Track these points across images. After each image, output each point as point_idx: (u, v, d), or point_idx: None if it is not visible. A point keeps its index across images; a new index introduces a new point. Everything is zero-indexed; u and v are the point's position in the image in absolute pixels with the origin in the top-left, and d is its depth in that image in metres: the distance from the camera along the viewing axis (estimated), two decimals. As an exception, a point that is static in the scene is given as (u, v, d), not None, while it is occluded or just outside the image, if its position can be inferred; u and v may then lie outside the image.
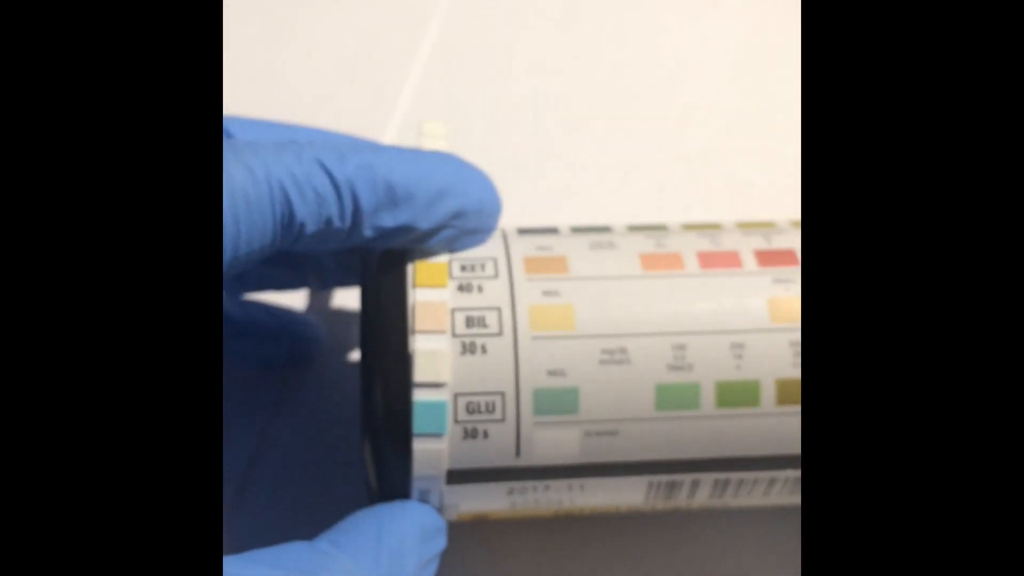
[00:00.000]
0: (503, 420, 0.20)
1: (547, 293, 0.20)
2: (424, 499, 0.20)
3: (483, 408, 0.20)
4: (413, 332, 0.20)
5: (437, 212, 0.20)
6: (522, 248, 0.21)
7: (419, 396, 0.19)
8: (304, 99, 0.34)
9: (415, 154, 0.21)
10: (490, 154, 0.32)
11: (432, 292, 0.20)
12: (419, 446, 0.19)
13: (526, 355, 0.20)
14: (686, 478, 0.21)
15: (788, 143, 0.33)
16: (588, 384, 0.20)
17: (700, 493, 0.21)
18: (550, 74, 0.35)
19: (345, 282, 0.26)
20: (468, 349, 0.20)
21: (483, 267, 0.21)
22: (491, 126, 0.34)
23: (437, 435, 0.19)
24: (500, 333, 0.20)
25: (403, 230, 0.20)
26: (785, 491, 0.22)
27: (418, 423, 0.19)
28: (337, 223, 0.19)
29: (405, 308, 0.20)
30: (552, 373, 0.20)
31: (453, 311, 0.20)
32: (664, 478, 0.21)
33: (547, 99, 0.34)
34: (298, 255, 0.24)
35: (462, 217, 0.21)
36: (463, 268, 0.21)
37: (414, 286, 0.20)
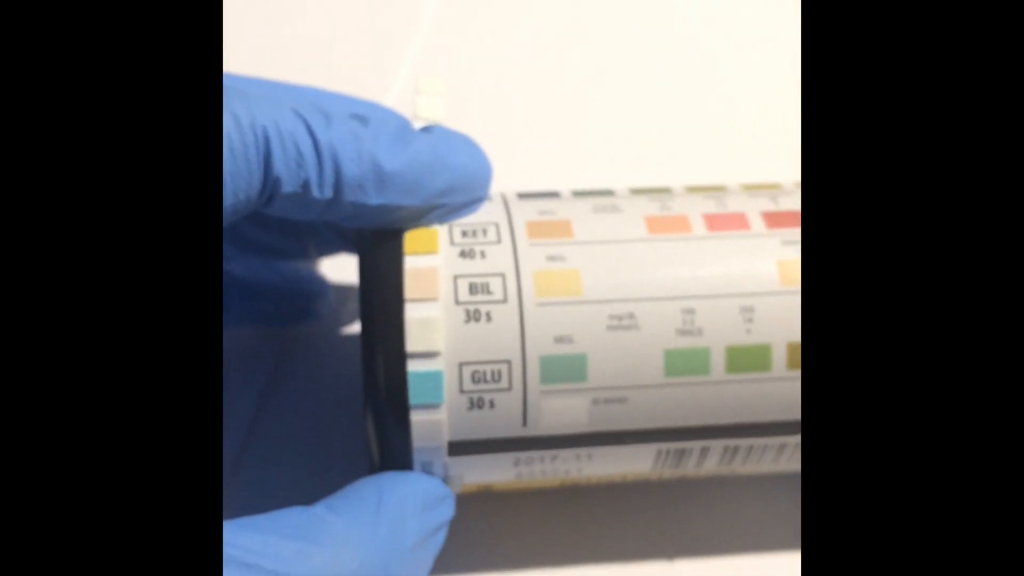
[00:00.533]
0: (509, 389, 0.19)
1: (552, 258, 0.20)
2: (427, 470, 0.20)
3: (489, 377, 0.19)
4: (404, 301, 0.19)
5: (425, 191, 0.19)
6: (524, 212, 0.21)
7: (413, 367, 0.19)
8: (306, 63, 0.33)
9: (404, 128, 0.20)
10: (493, 119, 0.32)
11: (422, 259, 0.19)
12: (416, 417, 0.19)
13: (532, 322, 0.19)
14: (696, 445, 0.20)
15: (793, 108, 0.32)
16: (596, 351, 0.19)
17: (709, 460, 0.21)
18: (557, 36, 0.34)
19: (343, 250, 0.25)
20: (472, 317, 0.19)
21: (485, 232, 0.20)
22: (495, 90, 0.33)
23: (434, 405, 0.19)
24: (505, 300, 0.19)
25: (388, 208, 0.19)
26: (795, 457, 0.21)
27: (414, 394, 0.19)
28: (315, 191, 0.18)
29: (400, 277, 0.19)
30: (559, 340, 0.19)
31: (456, 278, 0.19)
32: (673, 445, 0.20)
33: (552, 64, 0.34)
34: (295, 221, 0.24)
35: (451, 194, 0.20)
36: (464, 234, 0.20)
37: (404, 254, 0.19)
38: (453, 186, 0.20)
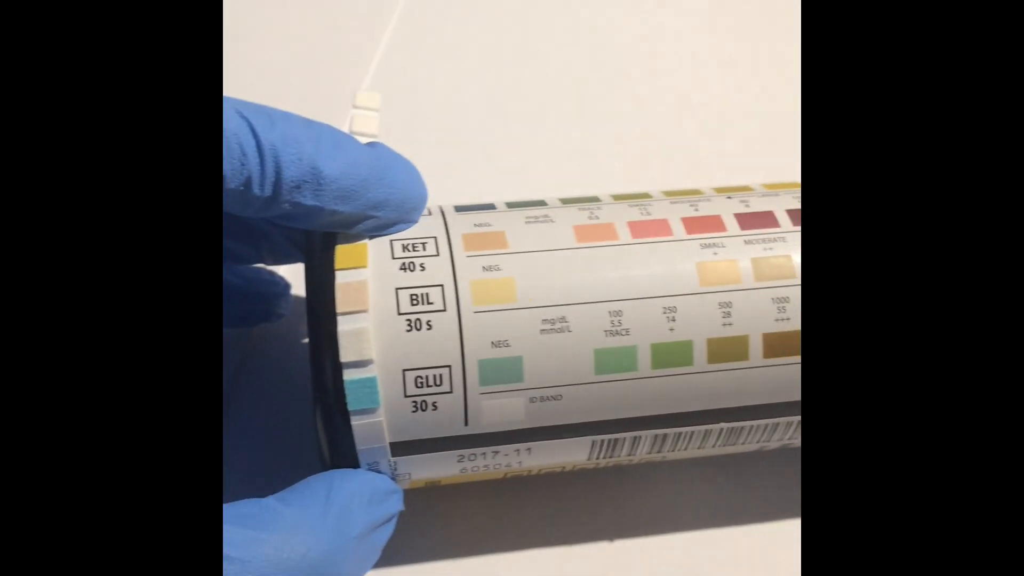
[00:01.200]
0: (451, 392, 0.20)
1: (487, 268, 0.21)
2: (375, 468, 0.21)
3: (431, 381, 0.20)
4: (335, 314, 0.20)
5: (359, 200, 0.21)
6: (461, 226, 0.22)
7: (349, 375, 0.20)
8: (265, 83, 0.34)
9: (346, 139, 0.21)
10: (446, 138, 0.34)
11: (351, 273, 0.20)
12: (357, 421, 0.20)
13: (470, 328, 0.20)
14: (627, 435, 0.22)
15: (732, 123, 0.35)
16: (530, 353, 0.21)
17: (641, 448, 0.23)
18: (506, 63, 0.36)
19: (296, 258, 0.27)
20: (414, 326, 0.20)
21: (424, 246, 0.21)
22: (448, 113, 0.35)
23: (372, 410, 0.20)
24: (444, 309, 0.20)
25: (323, 211, 0.20)
26: (720, 442, 0.23)
27: (351, 400, 0.20)
28: (256, 188, 0.20)
29: (332, 289, 0.20)
30: (496, 344, 0.21)
31: (397, 290, 0.21)
32: (606, 437, 0.22)
33: (503, 86, 0.36)
34: (246, 226, 0.25)
35: (384, 207, 0.21)
36: (404, 248, 0.21)
37: (335, 268, 0.21)
38: (387, 200, 0.21)
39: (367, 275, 0.21)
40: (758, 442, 0.23)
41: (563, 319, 0.21)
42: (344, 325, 0.20)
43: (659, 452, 0.23)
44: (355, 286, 0.20)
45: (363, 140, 0.22)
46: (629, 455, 0.23)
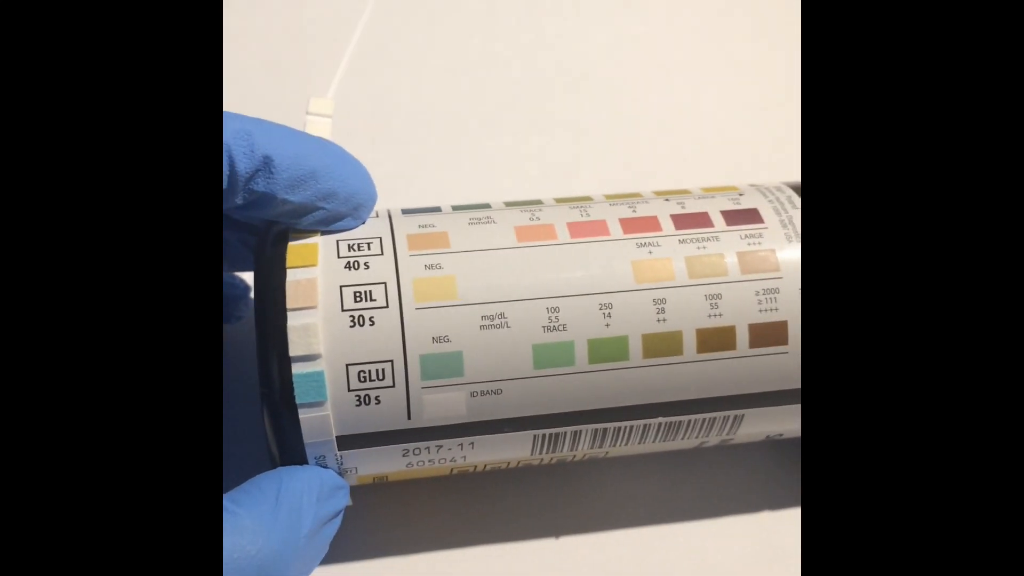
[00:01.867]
0: (393, 386, 0.21)
1: (429, 267, 0.22)
2: (322, 463, 0.22)
3: (374, 376, 0.21)
4: (286, 310, 0.21)
5: (308, 189, 0.22)
6: (406, 227, 0.23)
7: (297, 369, 0.21)
8: (230, 91, 0.34)
9: (295, 133, 0.22)
10: (410, 146, 0.35)
11: (302, 271, 0.21)
12: (304, 415, 0.21)
13: (412, 324, 0.21)
14: (567, 430, 0.23)
15: (686, 128, 0.36)
16: (471, 348, 0.21)
17: (582, 443, 0.23)
18: (468, 71, 0.37)
19: (250, 264, 0.27)
20: (357, 322, 0.21)
21: (369, 246, 0.22)
22: (412, 121, 0.36)
23: (319, 403, 0.21)
24: (387, 306, 0.21)
25: (275, 199, 0.21)
26: (659, 437, 0.24)
27: (299, 394, 0.21)
28: None
29: (283, 287, 0.21)
30: (437, 340, 0.21)
31: (341, 288, 0.21)
32: (547, 431, 0.23)
33: (466, 95, 0.37)
34: None
35: (333, 199, 0.22)
36: (350, 248, 0.22)
37: (286, 266, 0.21)
38: (336, 192, 0.22)
39: (317, 273, 0.21)
40: (697, 437, 0.24)
41: (502, 315, 0.22)
42: (294, 320, 0.21)
43: (601, 447, 0.24)
44: (304, 283, 0.21)
45: None
46: (571, 450, 0.24)
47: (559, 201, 0.24)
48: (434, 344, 0.21)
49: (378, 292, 0.21)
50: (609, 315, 0.22)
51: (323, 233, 0.22)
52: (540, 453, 0.23)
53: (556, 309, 0.22)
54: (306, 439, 0.21)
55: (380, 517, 0.26)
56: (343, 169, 0.22)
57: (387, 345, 0.21)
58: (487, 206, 0.24)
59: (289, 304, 0.21)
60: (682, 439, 0.24)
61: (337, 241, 0.22)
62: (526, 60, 0.38)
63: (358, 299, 0.21)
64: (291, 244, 0.22)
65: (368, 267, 0.22)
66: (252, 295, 0.29)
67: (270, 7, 0.39)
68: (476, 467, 0.24)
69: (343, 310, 0.21)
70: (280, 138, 0.21)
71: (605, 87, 0.37)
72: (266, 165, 0.21)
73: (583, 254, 0.22)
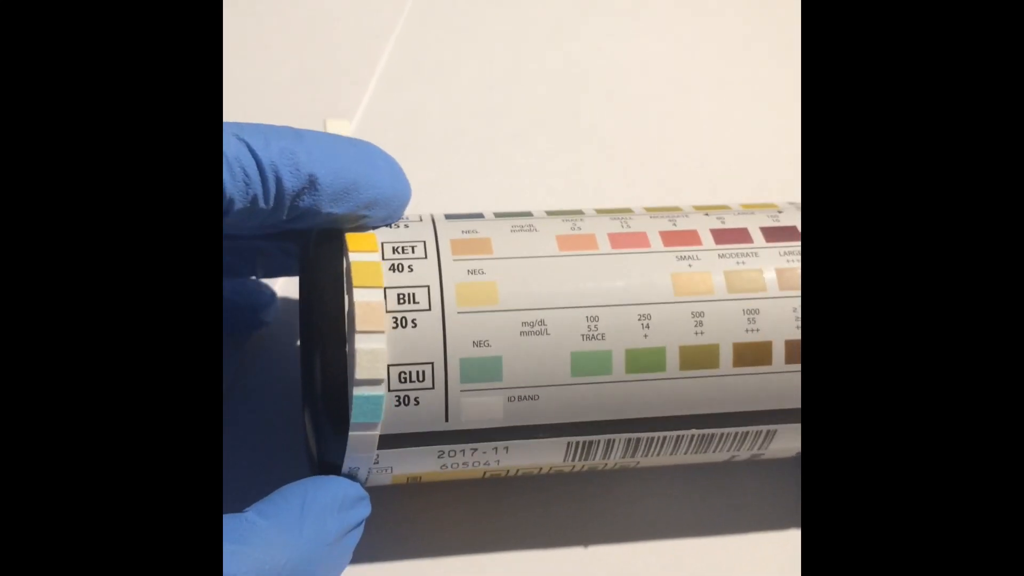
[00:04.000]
0: (433, 388, 0.21)
1: (472, 272, 0.22)
2: (354, 474, 0.22)
3: (414, 377, 0.21)
4: (354, 332, 0.21)
5: (351, 200, 0.22)
6: (449, 232, 0.23)
7: (359, 391, 0.21)
8: (262, 105, 0.36)
9: (335, 143, 0.22)
10: (440, 157, 0.35)
11: (370, 292, 0.21)
12: (354, 433, 0.21)
13: (453, 328, 0.21)
14: (601, 438, 0.23)
15: (719, 142, 0.36)
16: (510, 353, 0.22)
17: (614, 452, 0.23)
18: (498, 86, 0.38)
19: (289, 270, 0.28)
20: (400, 323, 0.21)
21: (413, 249, 0.22)
22: (441, 133, 0.36)
23: (371, 424, 0.21)
24: (429, 308, 0.22)
25: (319, 214, 0.22)
26: (691, 448, 0.24)
27: (356, 414, 0.21)
28: (262, 203, 0.21)
29: (340, 300, 0.21)
30: (477, 344, 0.22)
31: (385, 289, 0.22)
32: (581, 439, 0.23)
33: (495, 107, 0.37)
34: (243, 242, 0.26)
35: (374, 207, 0.23)
36: (395, 250, 0.22)
37: (352, 286, 0.21)
38: (376, 199, 0.23)
39: (382, 296, 0.21)
40: (728, 451, 0.24)
41: (542, 322, 0.22)
42: (363, 344, 0.21)
43: (632, 457, 0.24)
44: (375, 306, 0.21)
45: None
46: (604, 459, 0.24)
47: (600, 212, 0.24)
48: (474, 348, 0.22)
49: (421, 295, 0.22)
50: (648, 326, 0.22)
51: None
52: (572, 460, 0.24)
53: (595, 318, 0.22)
54: (349, 453, 0.21)
55: (409, 521, 0.26)
56: (382, 175, 0.23)
57: (428, 347, 0.21)
58: (529, 214, 0.24)
59: (358, 327, 0.21)
60: (714, 452, 0.24)
61: (381, 243, 0.22)
62: (556, 76, 0.39)
63: (401, 301, 0.22)
64: (355, 262, 0.22)
65: (412, 270, 0.22)
66: (277, 302, 0.29)
67: (302, 24, 0.40)
68: (508, 471, 0.24)
69: (387, 311, 0.21)
70: (323, 153, 0.22)
71: (633, 103, 0.38)
72: (311, 183, 0.21)
73: (623, 265, 0.23)
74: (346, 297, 0.22)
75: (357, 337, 0.21)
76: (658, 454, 0.24)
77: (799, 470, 0.28)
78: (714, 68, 0.39)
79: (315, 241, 0.23)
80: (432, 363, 0.21)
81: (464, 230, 0.23)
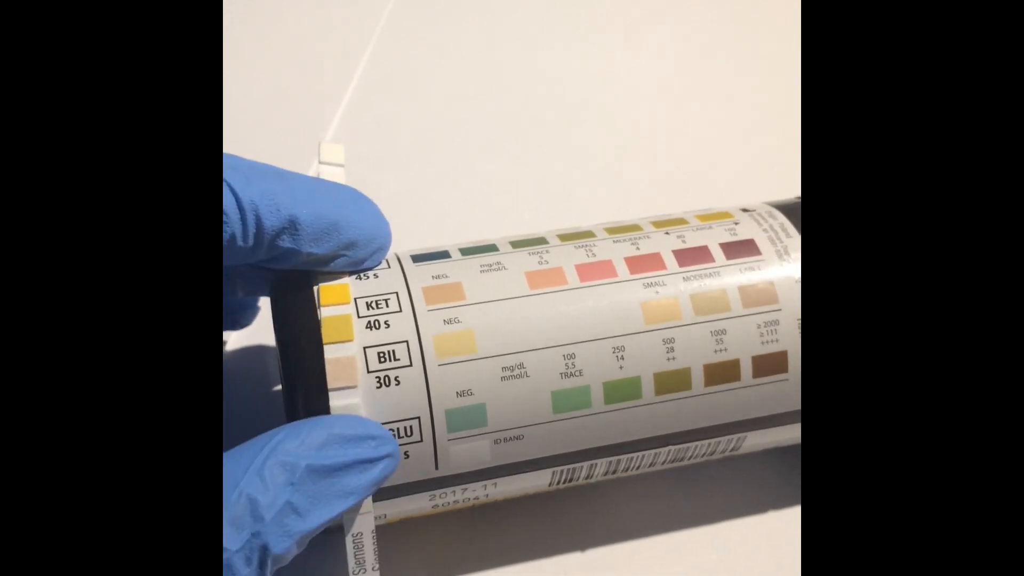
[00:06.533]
0: (421, 440, 0.22)
1: (448, 321, 0.22)
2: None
3: (402, 432, 0.22)
4: (327, 390, 0.21)
5: (331, 242, 0.22)
6: (420, 278, 0.23)
7: None
8: (240, 120, 0.36)
9: (316, 186, 0.23)
10: (412, 177, 0.36)
11: (339, 348, 0.22)
12: None
13: (436, 381, 0.22)
14: (584, 463, 0.24)
15: (679, 151, 0.38)
16: (493, 399, 0.22)
17: (597, 472, 0.24)
18: (468, 99, 0.40)
19: (267, 293, 0.27)
20: (383, 383, 0.22)
21: (387, 303, 0.23)
22: (414, 145, 0.38)
23: None
24: (410, 364, 0.22)
25: (299, 253, 0.22)
26: (668, 460, 0.25)
27: None
28: (240, 241, 0.21)
29: (320, 356, 0.22)
30: (460, 394, 0.22)
31: (365, 349, 0.22)
32: (565, 466, 0.24)
33: (465, 124, 0.39)
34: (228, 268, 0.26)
35: (354, 248, 0.23)
36: (368, 306, 0.22)
37: (323, 343, 0.22)
38: (357, 240, 0.23)
39: (354, 349, 0.22)
40: (703, 456, 0.25)
41: (521, 365, 0.22)
42: (336, 401, 0.21)
43: (614, 474, 0.25)
44: (345, 362, 0.21)
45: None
46: (587, 478, 0.25)
47: (563, 239, 0.25)
48: (458, 398, 0.22)
49: (401, 351, 0.22)
50: (622, 357, 0.23)
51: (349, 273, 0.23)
52: (558, 484, 0.25)
53: (572, 355, 0.23)
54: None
55: (402, 551, 0.27)
56: (363, 216, 0.23)
57: (414, 403, 0.22)
58: (494, 248, 0.24)
59: (331, 383, 0.21)
60: (689, 460, 0.25)
61: (355, 298, 0.23)
62: (525, 88, 0.40)
63: (382, 359, 0.22)
64: (324, 316, 0.22)
65: (388, 326, 0.22)
66: (255, 305, 0.29)
67: (280, 40, 0.41)
68: (496, 500, 0.25)
69: (369, 371, 0.22)
70: (304, 194, 0.22)
71: (601, 114, 0.40)
72: (292, 223, 0.22)
73: (593, 298, 0.23)
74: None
75: (331, 395, 0.21)
76: (637, 469, 0.25)
77: (767, 458, 0.29)
78: (679, 79, 0.42)
79: (287, 287, 0.23)
80: (419, 417, 0.22)
81: (434, 275, 0.23)
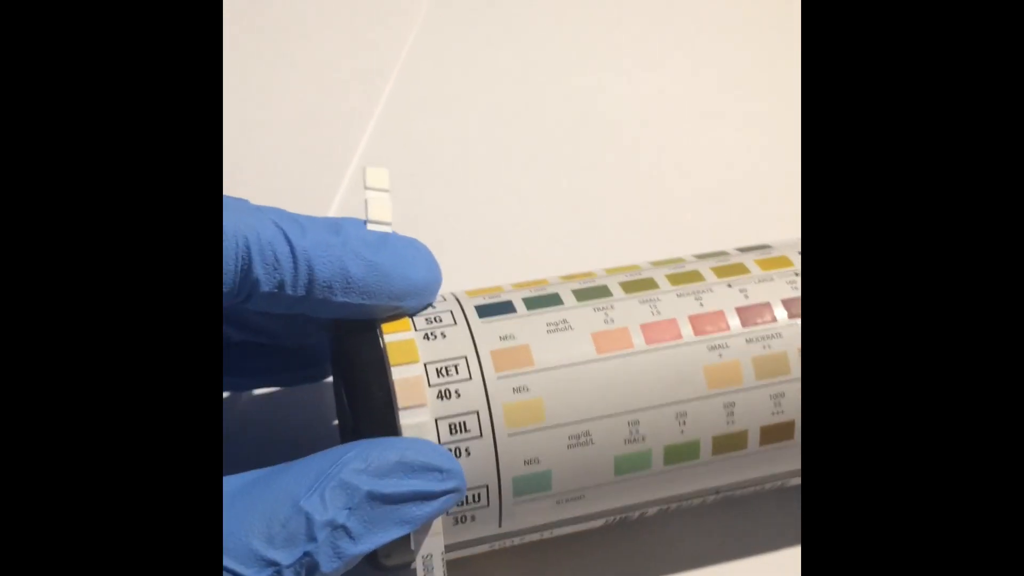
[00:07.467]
0: (488, 506, 0.23)
1: (517, 390, 0.22)
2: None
3: (470, 500, 0.22)
4: (397, 410, 0.22)
5: (383, 294, 0.23)
6: (487, 339, 0.23)
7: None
8: (266, 149, 0.36)
9: (372, 238, 0.23)
10: (441, 197, 0.36)
11: (408, 368, 0.22)
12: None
13: (505, 451, 0.22)
14: (637, 512, 0.25)
15: (729, 184, 0.38)
16: (559, 466, 0.23)
17: (648, 513, 0.25)
18: (503, 124, 0.40)
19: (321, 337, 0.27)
20: (455, 453, 0.22)
21: (456, 369, 0.22)
22: (442, 165, 0.38)
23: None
24: (480, 435, 0.22)
25: (350, 305, 0.22)
26: (715, 501, 0.26)
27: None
28: (289, 289, 0.22)
29: (390, 391, 0.22)
30: (528, 462, 0.22)
31: (437, 421, 0.22)
32: (620, 515, 0.25)
33: (499, 147, 0.39)
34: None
35: (406, 298, 0.23)
36: (439, 373, 0.22)
37: (390, 366, 0.22)
38: (408, 291, 0.23)
39: (420, 370, 0.22)
40: (748, 495, 0.26)
41: (587, 433, 0.23)
42: (407, 419, 0.22)
43: (663, 515, 0.26)
44: (412, 381, 0.22)
45: (380, 228, 0.23)
46: (638, 521, 0.26)
47: (627, 289, 0.24)
48: (525, 466, 0.22)
49: (472, 423, 0.22)
50: (684, 422, 0.23)
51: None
52: (609, 523, 0.25)
53: (636, 422, 0.23)
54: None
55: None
56: (415, 269, 0.23)
57: (483, 472, 0.22)
58: (558, 300, 0.24)
59: (400, 403, 0.22)
60: (736, 498, 0.26)
61: (425, 364, 0.22)
62: (557, 107, 0.40)
63: (453, 431, 0.22)
64: (388, 342, 0.22)
65: (459, 395, 0.22)
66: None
67: (306, 64, 0.41)
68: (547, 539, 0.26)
69: (440, 443, 0.22)
70: (357, 246, 0.22)
71: (632, 135, 0.40)
72: (343, 276, 0.22)
73: (659, 363, 0.23)
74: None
75: (400, 414, 0.22)
76: (687, 511, 0.26)
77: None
78: (712, 102, 0.41)
79: (350, 328, 0.23)
80: (487, 485, 0.22)
81: (502, 335, 0.23)
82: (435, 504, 0.21)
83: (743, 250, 0.27)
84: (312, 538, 0.20)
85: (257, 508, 0.20)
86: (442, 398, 0.22)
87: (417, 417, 0.22)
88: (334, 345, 0.24)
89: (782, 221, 0.33)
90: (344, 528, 0.20)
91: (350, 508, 0.20)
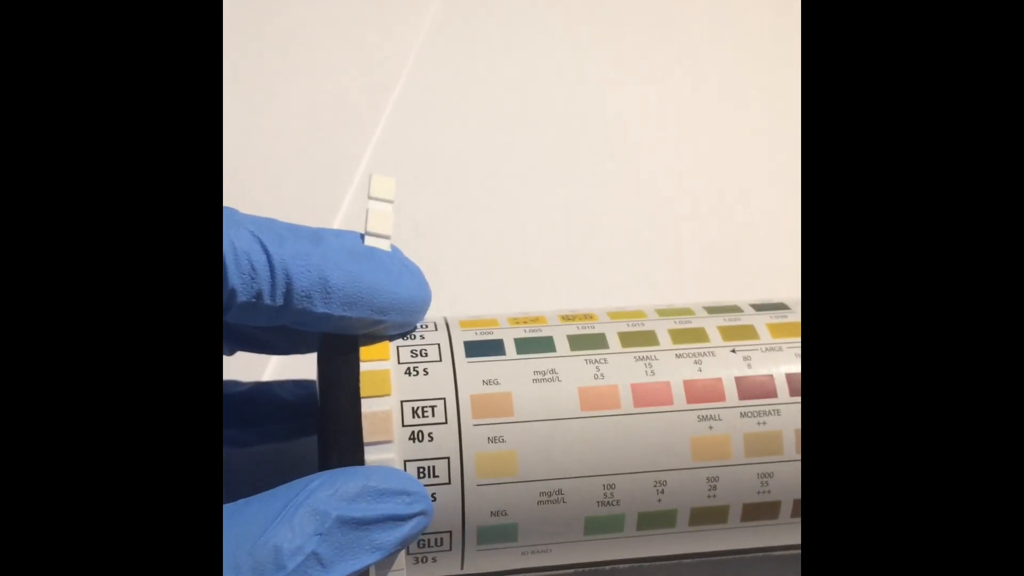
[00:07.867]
0: (450, 550, 0.22)
1: (492, 440, 0.22)
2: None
3: (432, 543, 0.22)
4: (363, 444, 0.21)
5: (366, 306, 0.22)
6: (470, 382, 0.22)
7: None
8: (272, 158, 0.36)
9: (354, 249, 0.22)
10: (443, 209, 0.36)
11: (377, 401, 0.22)
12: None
13: (472, 501, 0.22)
14: (607, 567, 0.24)
15: (731, 196, 0.38)
16: (526, 520, 0.22)
17: (620, 568, 0.25)
18: (507, 133, 0.40)
19: (309, 348, 0.27)
20: (420, 497, 0.22)
21: (433, 411, 0.22)
22: (446, 174, 0.38)
23: None
24: (449, 482, 0.22)
25: (331, 317, 0.22)
26: (692, 565, 0.25)
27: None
28: (267, 299, 0.21)
29: (359, 415, 0.22)
30: (495, 514, 0.22)
31: (405, 462, 0.22)
32: (588, 570, 0.24)
33: (502, 156, 0.39)
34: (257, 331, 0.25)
35: (390, 312, 0.22)
36: (414, 413, 0.22)
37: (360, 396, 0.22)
38: (392, 305, 0.22)
39: (391, 404, 0.22)
40: (727, 559, 0.26)
41: (559, 491, 0.22)
42: (372, 455, 0.21)
43: (636, 572, 0.25)
44: (381, 416, 0.22)
45: (377, 242, 0.23)
46: (608, 572, 0.25)
47: (624, 342, 0.24)
48: (492, 517, 0.22)
49: (441, 468, 0.22)
50: (662, 491, 0.23)
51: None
52: (577, 574, 0.25)
53: (612, 486, 0.22)
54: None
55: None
56: (399, 284, 0.22)
57: (447, 519, 0.22)
58: (551, 345, 0.23)
59: (366, 437, 0.21)
60: (714, 562, 0.26)
61: (401, 402, 0.22)
62: (561, 119, 0.40)
63: (421, 475, 0.22)
64: (363, 371, 0.22)
65: (432, 439, 0.22)
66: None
67: (312, 74, 0.41)
68: None
69: (407, 485, 0.22)
70: (338, 256, 0.22)
71: (638, 145, 0.39)
72: (323, 285, 0.21)
73: (645, 428, 0.22)
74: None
75: (366, 449, 0.21)
76: (661, 569, 0.25)
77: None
78: (716, 115, 0.41)
79: (334, 347, 0.23)
80: (450, 532, 0.22)
81: (485, 379, 0.23)
82: (405, 528, 0.21)
83: (758, 308, 0.25)
84: (281, 566, 0.19)
85: (222, 540, 0.19)
86: (414, 440, 0.22)
87: (383, 454, 0.21)
88: (318, 364, 0.24)
89: (784, 234, 0.34)
90: (315, 555, 0.20)
91: (320, 534, 0.20)
